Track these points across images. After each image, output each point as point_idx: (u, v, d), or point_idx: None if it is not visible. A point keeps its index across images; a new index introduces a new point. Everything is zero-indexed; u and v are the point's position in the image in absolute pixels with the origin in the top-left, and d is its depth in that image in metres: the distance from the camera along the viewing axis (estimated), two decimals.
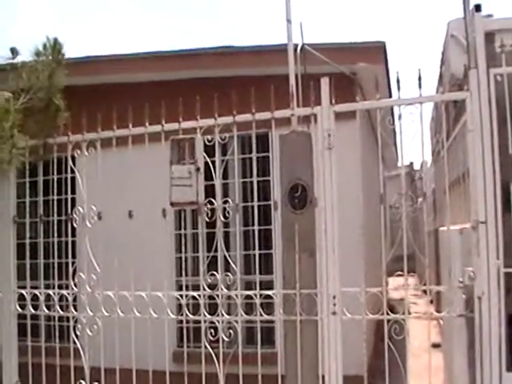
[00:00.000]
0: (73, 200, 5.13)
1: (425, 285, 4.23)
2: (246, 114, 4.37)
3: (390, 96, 7.68)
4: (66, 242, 5.00)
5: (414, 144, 4.14)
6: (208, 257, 4.52)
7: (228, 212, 4.39)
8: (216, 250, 4.47)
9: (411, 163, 20.23)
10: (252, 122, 4.37)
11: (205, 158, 4.36)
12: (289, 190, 4.23)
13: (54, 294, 4.78)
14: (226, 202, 4.43)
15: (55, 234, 4.91)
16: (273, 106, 4.32)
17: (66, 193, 5.04)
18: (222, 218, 4.39)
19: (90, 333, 4.58)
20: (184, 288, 4.50)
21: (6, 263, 4.99)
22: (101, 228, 4.68)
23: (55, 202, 4.92)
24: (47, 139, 4.85)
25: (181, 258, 6.64)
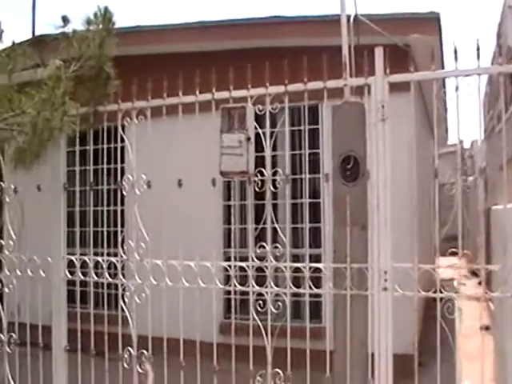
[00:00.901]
0: (122, 169, 5.15)
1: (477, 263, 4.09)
2: (297, 84, 4.28)
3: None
4: (115, 210, 5.02)
5: (468, 120, 4.01)
6: (257, 228, 4.48)
7: (278, 183, 4.33)
8: (265, 222, 4.42)
9: (461, 141, 19.77)
10: (304, 92, 4.28)
11: (256, 127, 4.30)
12: (340, 162, 4.14)
13: (103, 260, 4.80)
14: (275, 172, 4.37)
15: (105, 202, 4.94)
16: (325, 75, 4.22)
17: (116, 161, 5.05)
18: (272, 189, 4.33)
19: (138, 300, 4.58)
20: (232, 259, 4.45)
21: (56, 230, 5.03)
22: (149, 196, 4.67)
23: (105, 171, 4.94)
24: (97, 107, 4.86)
25: (227, 229, 6.67)
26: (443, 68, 7.58)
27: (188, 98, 4.55)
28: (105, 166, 4.97)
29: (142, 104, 4.69)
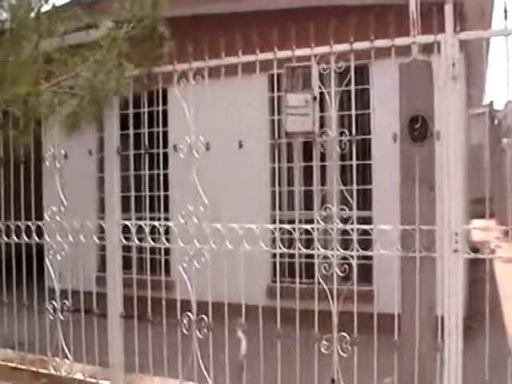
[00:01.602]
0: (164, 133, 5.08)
1: None
2: (363, 42, 4.15)
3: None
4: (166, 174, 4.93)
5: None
6: (322, 190, 4.40)
7: (344, 144, 4.22)
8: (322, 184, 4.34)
9: (491, 102, 19.12)
10: (370, 50, 4.14)
11: (320, 87, 4.18)
12: (408, 122, 4.04)
13: (160, 225, 4.71)
14: (342, 133, 4.26)
15: (161, 166, 4.85)
16: (392, 33, 4.09)
17: (166, 125, 4.94)
18: (339, 150, 4.22)
19: (197, 265, 4.50)
20: (297, 221, 4.35)
21: (110, 194, 4.93)
22: (205, 159, 4.57)
23: (161, 134, 4.83)
24: (152, 68, 4.71)
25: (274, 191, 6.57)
26: (491, 26, 7.37)
27: (247, 58, 4.40)
28: (161, 129, 4.85)
29: (199, 64, 4.54)
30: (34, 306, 5.29)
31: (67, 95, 4.37)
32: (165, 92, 4.96)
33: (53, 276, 5.13)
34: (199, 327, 4.53)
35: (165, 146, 5.09)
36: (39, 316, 5.28)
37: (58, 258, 5.04)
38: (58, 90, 4.38)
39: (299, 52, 4.26)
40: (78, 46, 4.54)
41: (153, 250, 4.93)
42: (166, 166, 5.14)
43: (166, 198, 5.15)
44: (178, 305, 4.64)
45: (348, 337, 4.13)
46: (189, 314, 4.56)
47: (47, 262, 5.15)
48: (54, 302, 5.12)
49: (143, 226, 4.76)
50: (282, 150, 5.70)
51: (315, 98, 4.11)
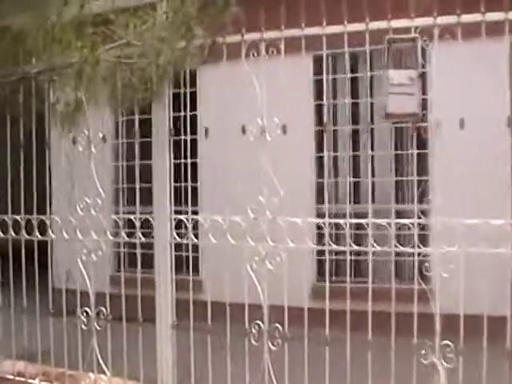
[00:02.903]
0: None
1: None
2: (472, 14, 3.66)
3: None
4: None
5: None
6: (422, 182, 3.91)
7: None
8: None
9: None
10: (480, 24, 3.65)
11: (423, 65, 3.68)
12: None
13: (224, 221, 4.07)
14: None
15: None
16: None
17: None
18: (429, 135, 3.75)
19: (270, 266, 3.92)
20: (393, 215, 3.84)
21: (161, 185, 4.26)
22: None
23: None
24: (216, 38, 4.04)
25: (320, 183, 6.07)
26: None
27: (333, 29, 3.84)
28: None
29: (273, 34, 3.93)
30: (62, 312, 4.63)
31: (126, 64, 3.69)
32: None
33: (86, 279, 4.42)
34: (272, 338, 3.95)
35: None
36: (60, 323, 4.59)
37: (94, 258, 4.34)
38: (114, 59, 3.70)
39: (397, 23, 3.73)
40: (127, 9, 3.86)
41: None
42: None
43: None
44: (246, 310, 4.04)
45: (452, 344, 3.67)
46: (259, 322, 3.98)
47: (80, 263, 4.41)
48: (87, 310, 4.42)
49: (202, 221, 4.13)
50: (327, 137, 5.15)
51: (421, 75, 3.61)
